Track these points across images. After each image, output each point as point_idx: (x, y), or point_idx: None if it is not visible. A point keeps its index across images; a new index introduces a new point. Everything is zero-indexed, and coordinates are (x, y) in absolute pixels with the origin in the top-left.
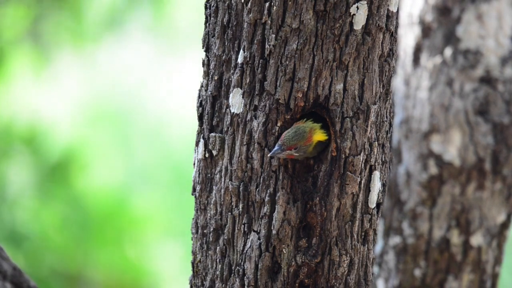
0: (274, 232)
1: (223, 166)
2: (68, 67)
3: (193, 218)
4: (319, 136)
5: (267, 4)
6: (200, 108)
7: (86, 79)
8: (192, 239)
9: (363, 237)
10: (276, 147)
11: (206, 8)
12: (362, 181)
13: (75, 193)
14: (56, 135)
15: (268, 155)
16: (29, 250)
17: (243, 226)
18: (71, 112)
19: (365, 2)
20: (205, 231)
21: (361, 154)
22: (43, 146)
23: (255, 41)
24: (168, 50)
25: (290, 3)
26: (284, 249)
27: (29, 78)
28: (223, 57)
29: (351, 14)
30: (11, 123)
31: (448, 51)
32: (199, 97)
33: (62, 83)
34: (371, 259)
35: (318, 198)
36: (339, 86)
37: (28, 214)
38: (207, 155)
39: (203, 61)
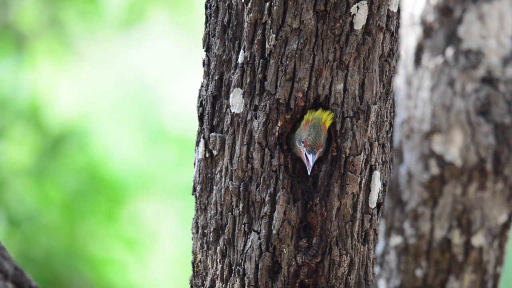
0: (274, 232)
1: (224, 166)
2: (86, 55)
3: (193, 218)
4: (328, 121)
5: (267, 4)
6: (201, 108)
7: (101, 67)
8: (192, 239)
9: (363, 237)
10: (310, 156)
11: (206, 8)
12: (363, 181)
13: (76, 166)
14: (57, 111)
15: (309, 170)
16: (27, 228)
17: (243, 226)
18: (76, 93)
19: (366, 2)
20: (205, 231)
21: (362, 154)
22: (44, 121)
23: (256, 41)
24: (189, 43)
25: (290, 3)
26: (284, 249)
27: (49, 65)
28: (224, 57)
29: (352, 14)
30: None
31: (449, 51)
32: (199, 97)
33: (78, 70)
34: (372, 259)
35: (318, 198)
36: (340, 86)
37: (26, 191)
38: (207, 155)
39: (204, 61)
